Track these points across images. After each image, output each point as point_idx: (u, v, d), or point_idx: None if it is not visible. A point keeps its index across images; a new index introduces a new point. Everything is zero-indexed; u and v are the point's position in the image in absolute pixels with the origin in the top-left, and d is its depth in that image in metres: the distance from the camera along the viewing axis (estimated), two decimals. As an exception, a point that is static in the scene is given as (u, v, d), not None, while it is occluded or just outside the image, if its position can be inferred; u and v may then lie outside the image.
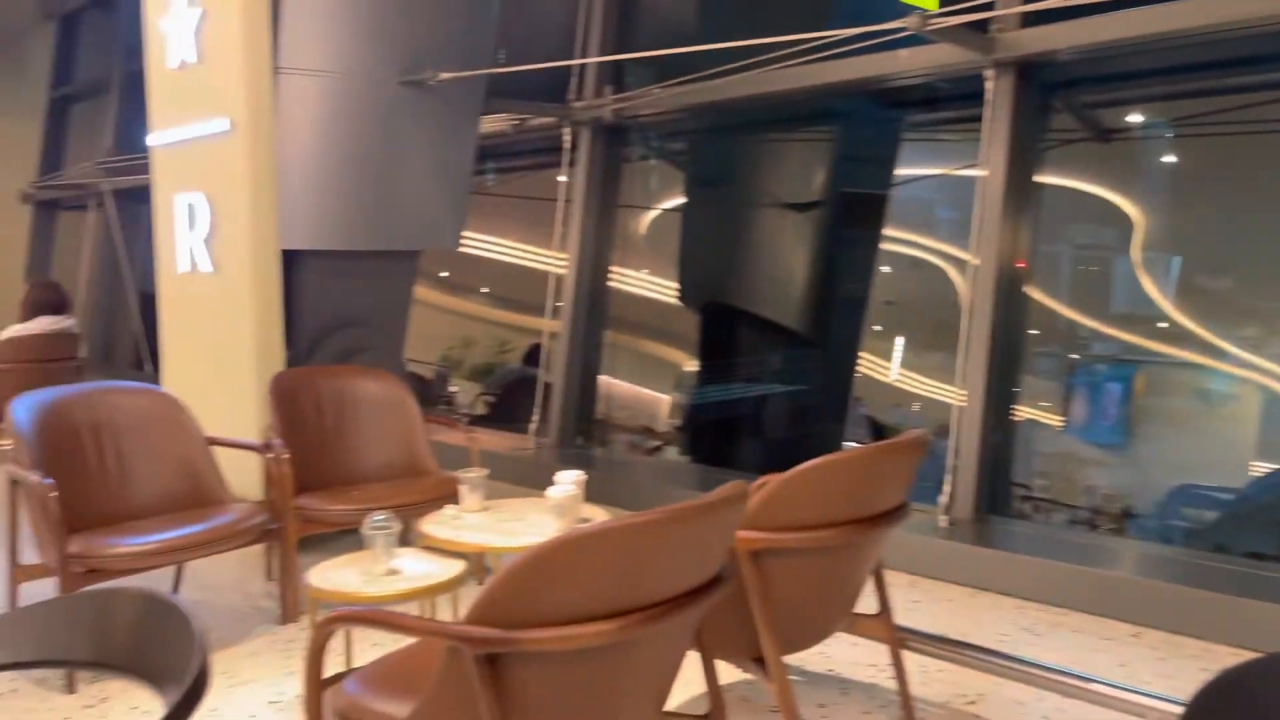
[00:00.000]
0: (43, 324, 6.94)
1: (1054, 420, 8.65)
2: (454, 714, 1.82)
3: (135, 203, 9.59)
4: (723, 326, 7.79)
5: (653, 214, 8.03)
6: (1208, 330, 7.66)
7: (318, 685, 2.02)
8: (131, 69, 9.34)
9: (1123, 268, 8.29)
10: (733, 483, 2.00)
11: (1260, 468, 7.52)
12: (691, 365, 8.81)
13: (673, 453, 8.18)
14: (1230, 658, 3.29)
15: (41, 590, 3.60)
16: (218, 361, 4.78)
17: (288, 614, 3.76)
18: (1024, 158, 4.67)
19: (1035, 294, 7.76)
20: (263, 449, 3.89)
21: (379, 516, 3.01)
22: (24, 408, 3.58)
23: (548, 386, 6.69)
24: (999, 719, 2.88)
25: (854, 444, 9.02)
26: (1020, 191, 4.67)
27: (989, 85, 4.51)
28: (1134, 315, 8.33)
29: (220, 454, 3.95)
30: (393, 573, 2.89)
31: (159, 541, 3.32)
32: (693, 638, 2.13)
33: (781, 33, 4.69)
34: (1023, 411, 7.27)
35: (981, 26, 4.34)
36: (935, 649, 2.90)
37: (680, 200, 8.00)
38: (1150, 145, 7.04)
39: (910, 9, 4.04)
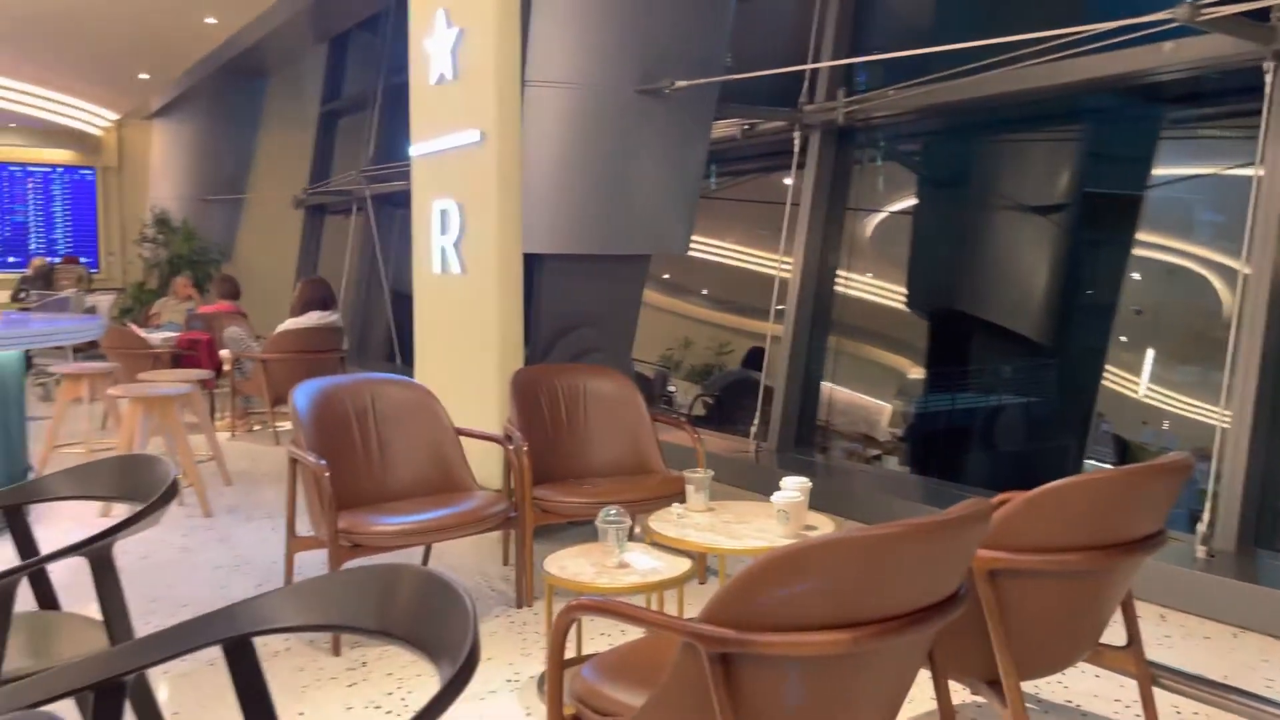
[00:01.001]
0: (312, 318, 7.58)
1: None
2: (686, 709, 1.87)
3: (391, 207, 10.27)
4: (953, 333, 7.52)
5: (880, 217, 7.87)
6: None
7: (559, 669, 2.12)
8: (390, 85, 10.06)
9: None
10: (975, 499, 1.96)
11: None
12: (917, 373, 8.55)
13: (893, 463, 7.98)
14: None
15: (310, 560, 3.99)
16: (464, 357, 5.09)
17: (522, 598, 3.93)
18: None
19: None
20: (504, 441, 4.10)
21: (612, 511, 3.12)
22: (303, 394, 3.93)
23: (768, 390, 6.67)
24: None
25: (1096, 463, 8.52)
26: None
27: (1269, 78, 4.16)
28: None
29: (465, 443, 4.18)
30: (623, 566, 3.00)
31: (414, 523, 3.57)
32: (926, 654, 2.10)
33: (1028, 28, 4.49)
34: None
35: (1262, 15, 4.01)
36: (1192, 689, 2.71)
37: (911, 202, 7.81)
38: None
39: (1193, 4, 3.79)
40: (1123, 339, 8.92)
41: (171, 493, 2.16)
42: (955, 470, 7.50)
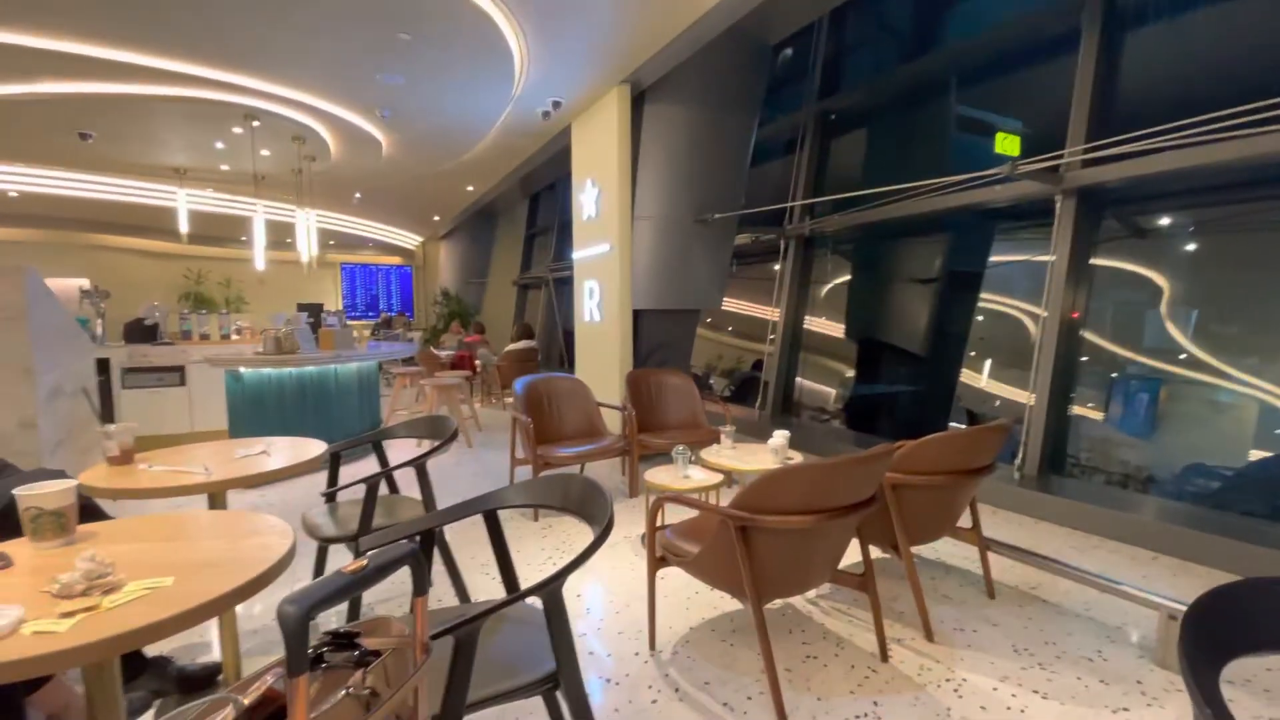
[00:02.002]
0: (521, 344, 7.79)
1: (1096, 415, 7.62)
2: (721, 557, 1.90)
3: (561, 285, 10.47)
4: (872, 351, 7.34)
5: (830, 286, 7.76)
6: (1217, 360, 6.65)
7: (653, 529, 2.17)
8: (561, 220, 10.25)
9: (1153, 318, 7.29)
10: (883, 445, 1.94)
11: (1256, 454, 6.47)
12: (850, 372, 8.36)
13: (837, 423, 7.87)
14: (1224, 578, 2.70)
15: (521, 471, 4.10)
16: (602, 364, 5.18)
17: (633, 492, 4.00)
18: (1081, 249, 4.05)
19: (1089, 335, 6.79)
20: (622, 409, 4.17)
21: (680, 447, 3.15)
22: (519, 385, 4.06)
23: (765, 383, 6.60)
24: (1052, 600, 2.54)
25: (955, 424, 8.27)
26: (1078, 269, 4.05)
27: (1057, 206, 3.97)
28: (1159, 349, 7.34)
29: (602, 411, 4.26)
30: (687, 477, 3.03)
31: (575, 452, 3.65)
32: (855, 530, 2.07)
33: (917, 175, 4.40)
34: (1076, 410, 6.48)
35: (1054, 169, 3.83)
36: (1008, 553, 2.61)
37: (848, 277, 7.65)
38: (1175, 239, 5.98)
39: (1005, 159, 3.65)
40: (972, 353, 8.64)
41: (453, 436, 2.28)
42: (872, 428, 7.30)
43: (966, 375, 8.54)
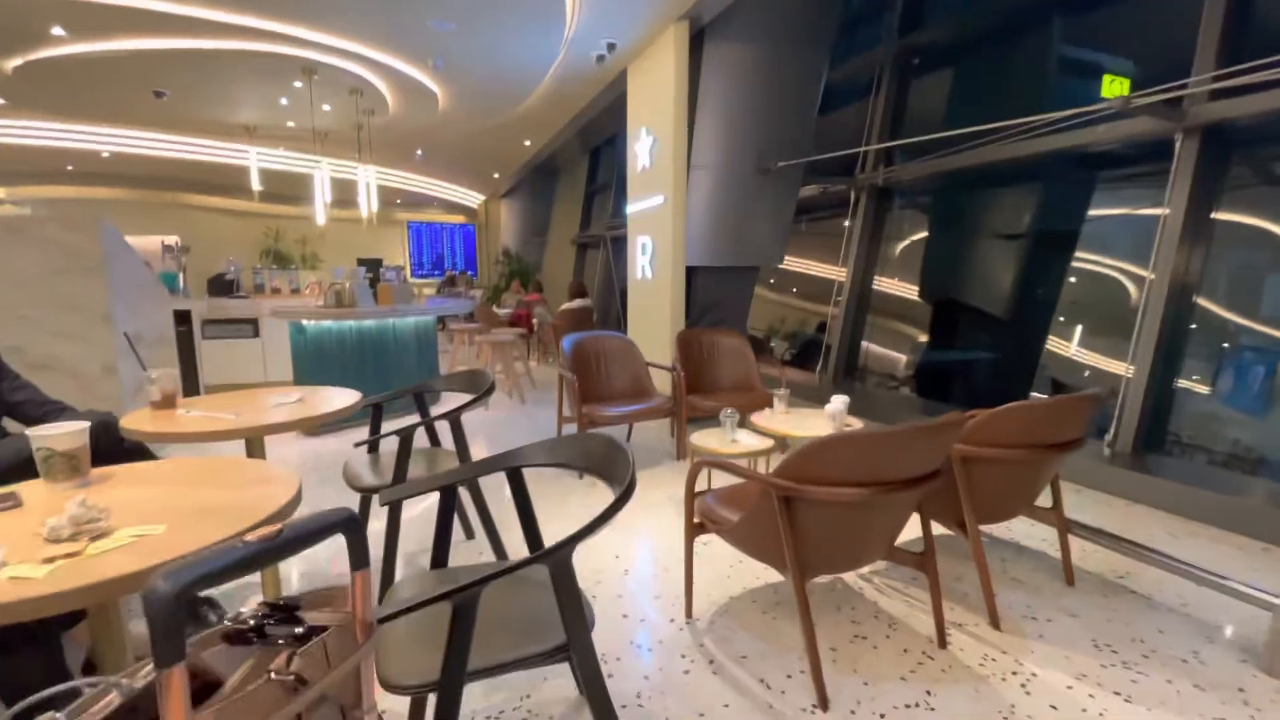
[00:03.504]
0: (576, 303, 7.73)
1: (1203, 388, 7.03)
2: (762, 527, 1.76)
3: (619, 244, 10.30)
4: (949, 314, 6.85)
5: (904, 244, 7.31)
6: None
7: (691, 495, 2.05)
8: (620, 176, 10.01)
9: (1275, 281, 6.59)
10: (952, 413, 1.72)
11: None
12: (922, 338, 7.92)
13: (906, 390, 7.51)
14: None
15: (569, 428, 4.07)
16: (653, 323, 5.04)
17: (680, 454, 3.90)
18: (1202, 201, 3.52)
19: (1201, 300, 6.19)
20: (672, 369, 4.04)
21: (728, 410, 3.00)
22: (567, 342, 4.00)
23: (828, 346, 6.29)
24: (1142, 591, 2.27)
25: (1038, 394, 7.73)
26: (1196, 224, 3.53)
27: (1177, 146, 3.44)
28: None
29: (652, 371, 4.15)
30: (735, 442, 2.89)
31: (622, 412, 3.56)
32: (916, 506, 1.88)
33: (1009, 114, 3.92)
34: (1184, 384, 5.92)
35: (1175, 102, 3.30)
36: (1093, 536, 2.34)
37: (924, 234, 7.13)
38: None
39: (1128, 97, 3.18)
40: (1061, 318, 8.09)
41: (489, 389, 2.21)
42: (945, 396, 6.90)
43: (1054, 343, 7.95)
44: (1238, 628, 2.02)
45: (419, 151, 10.20)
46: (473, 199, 16.12)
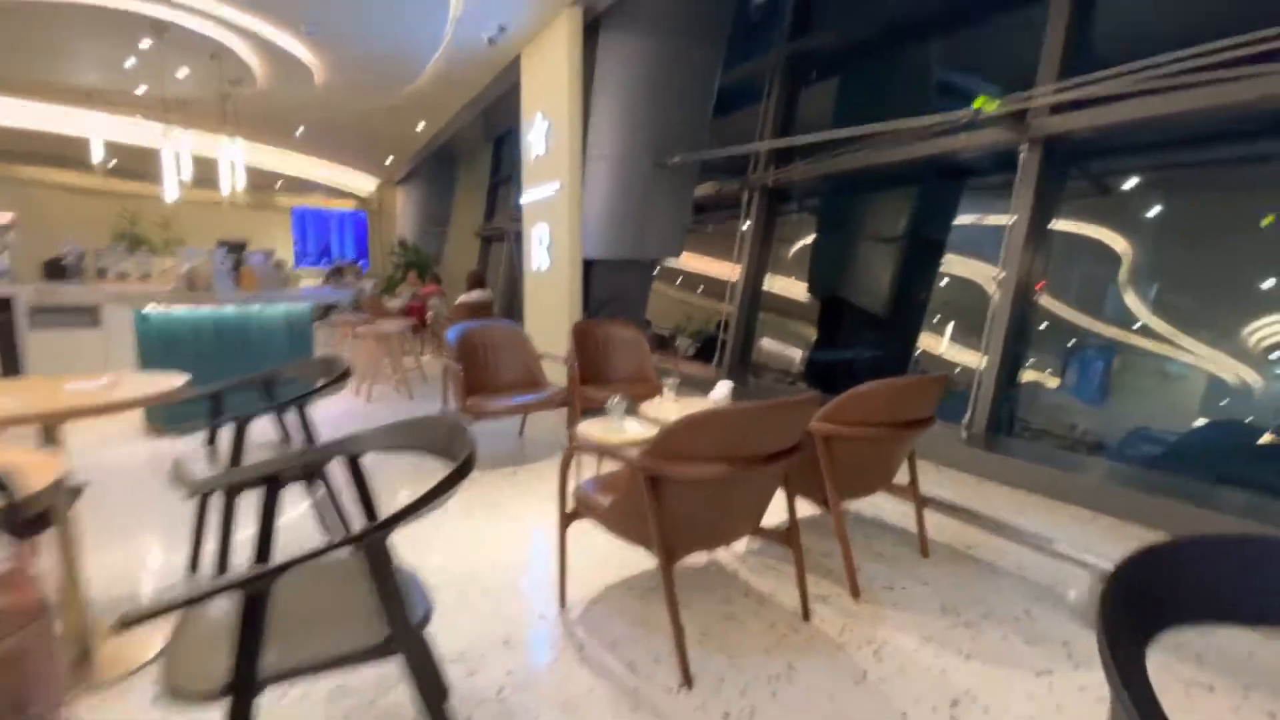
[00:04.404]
0: (474, 295, 7.45)
1: (1052, 382, 7.85)
2: (632, 509, 1.74)
3: (523, 238, 10.09)
4: (834, 311, 7.25)
5: (796, 246, 7.68)
6: (1173, 330, 6.93)
7: (564, 483, 2.00)
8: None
9: (1112, 286, 7.54)
10: (809, 393, 1.77)
11: (1201, 423, 6.80)
12: (813, 334, 8.36)
13: (802, 385, 7.89)
14: (1161, 539, 2.67)
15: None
16: (550, 315, 4.93)
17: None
18: (1043, 207, 3.91)
19: (1050, 302, 6.89)
20: (565, 360, 3.97)
21: (615, 399, 2.97)
22: (452, 332, 3.82)
23: (723, 341, 6.45)
24: (986, 559, 2.48)
25: None
26: (1038, 231, 3.92)
27: (1022, 156, 3.81)
28: (1117, 317, 7.65)
29: (545, 361, 4.05)
30: (621, 430, 2.86)
31: (511, 404, 3.44)
32: (781, 481, 1.93)
33: (895, 115, 4.17)
34: (1033, 376, 6.66)
35: (1021, 115, 3.65)
36: (944, 510, 2.51)
37: (813, 236, 7.51)
38: (1137, 200, 5.93)
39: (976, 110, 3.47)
40: (935, 318, 8.73)
41: (343, 375, 2.04)
42: (834, 390, 7.29)
43: (929, 341, 8.60)
44: (1067, 588, 2.24)
45: (300, 129, 9.45)
46: (365, 183, 15.19)
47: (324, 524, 1.94)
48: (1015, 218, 3.89)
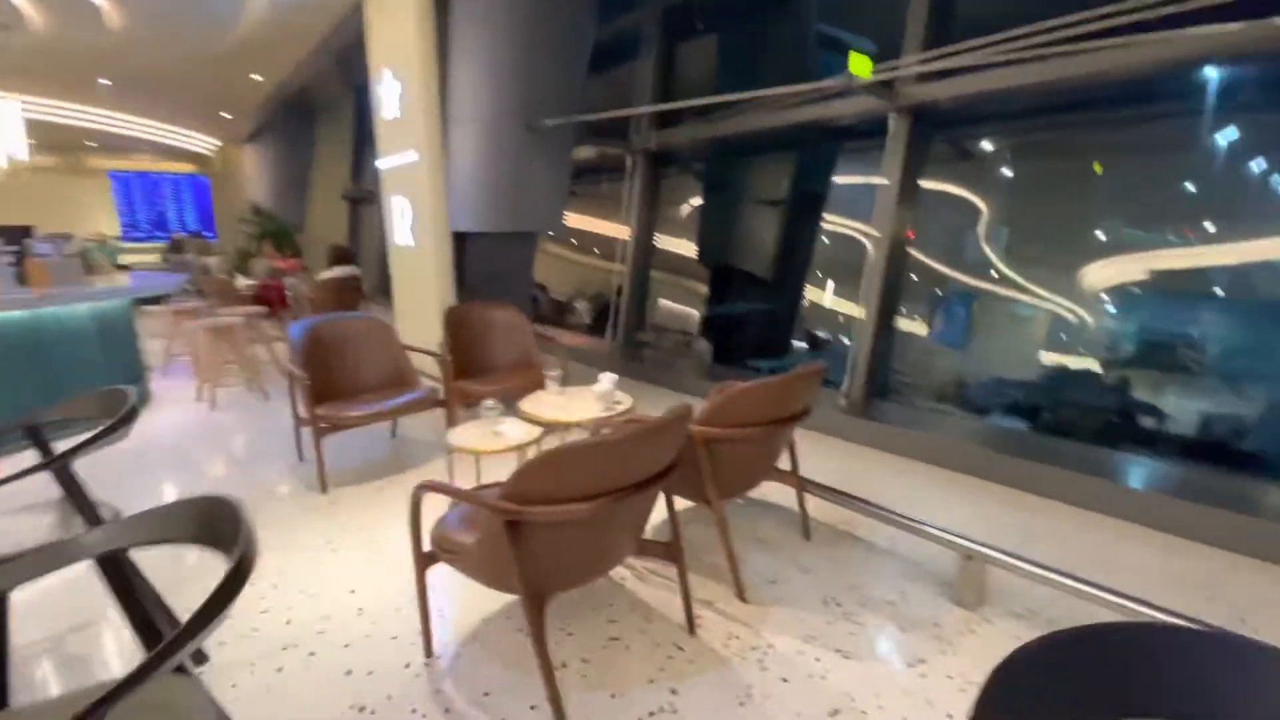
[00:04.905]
0: (337, 271, 6.73)
1: (922, 330, 8.52)
2: (493, 553, 1.56)
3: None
4: (724, 276, 7.31)
5: (690, 207, 7.66)
6: (1021, 277, 7.85)
7: (416, 526, 1.76)
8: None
9: (971, 238, 8.23)
10: (679, 407, 1.64)
11: (1047, 357, 7.69)
12: (708, 291, 8.48)
13: (705, 343, 8.03)
14: (1018, 497, 2.89)
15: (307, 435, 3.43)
16: (421, 299, 4.52)
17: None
18: (912, 170, 3.99)
19: (918, 254, 7.38)
20: (435, 353, 3.63)
21: (488, 402, 2.73)
22: (296, 330, 3.35)
23: (617, 308, 6.28)
24: (863, 536, 2.55)
25: (800, 342, 8.79)
26: (907, 190, 4.01)
27: (892, 124, 3.85)
28: (976, 267, 8.48)
29: (417, 354, 3.69)
30: (498, 434, 2.64)
31: (371, 411, 3.06)
32: (658, 496, 1.80)
33: (771, 83, 4.06)
34: (903, 324, 7.15)
35: (890, 83, 3.66)
36: (825, 494, 2.54)
37: (699, 199, 7.44)
38: (993, 162, 6.40)
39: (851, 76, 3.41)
40: (820, 273, 9.18)
41: (128, 416, 1.66)
42: (730, 344, 7.45)
43: (815, 294, 8.96)
44: (936, 562, 2.32)
45: (104, 81, 7.96)
46: (203, 143, 13.29)
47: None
48: (886, 180, 3.96)
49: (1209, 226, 7.15)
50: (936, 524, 2.20)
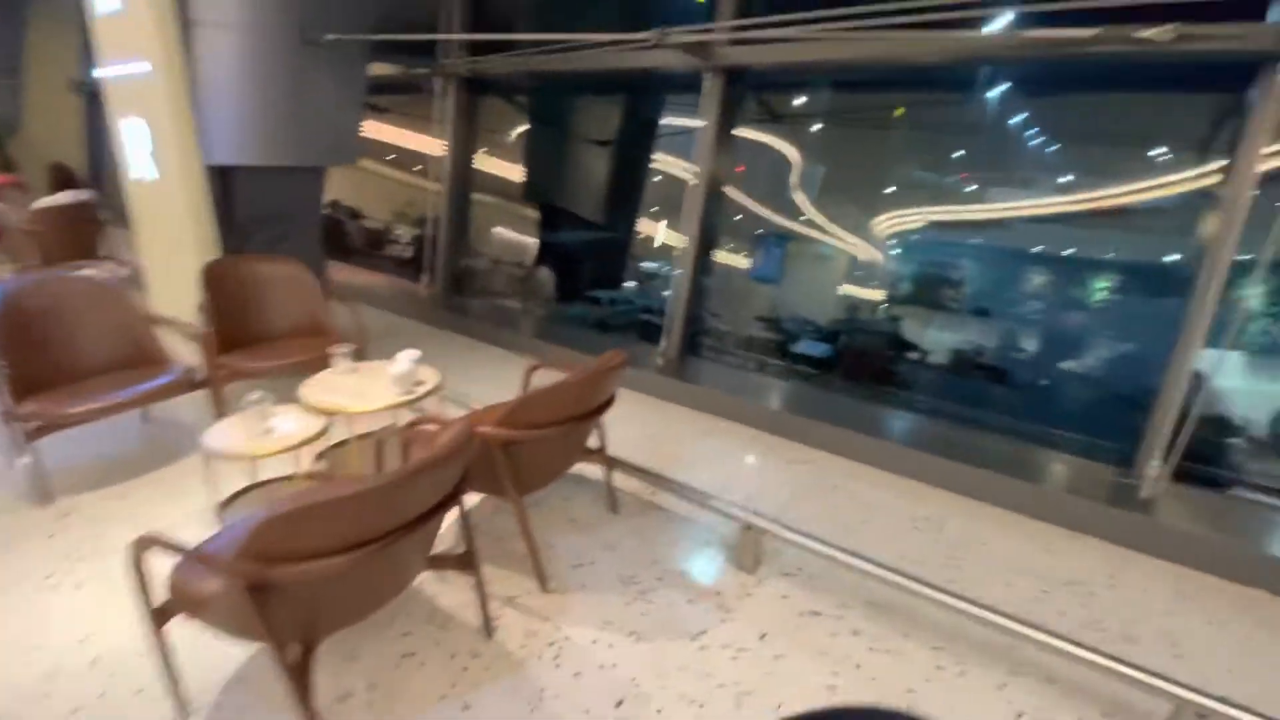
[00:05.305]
0: (63, 198, 5.39)
1: (745, 264, 9.15)
2: (237, 609, 1.37)
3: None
4: (554, 216, 7.08)
5: (516, 132, 7.21)
6: (827, 220, 8.61)
7: (142, 580, 1.49)
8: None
9: (786, 186, 8.87)
10: (457, 433, 1.52)
11: (846, 289, 8.87)
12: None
13: (543, 270, 7.66)
14: (802, 451, 3.23)
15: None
16: (171, 248, 3.72)
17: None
18: (726, 124, 4.03)
19: (743, 198, 7.78)
20: (189, 324, 3.03)
21: (254, 394, 2.35)
22: (-17, 297, 2.61)
23: (434, 241, 5.70)
24: (666, 505, 2.69)
25: (632, 282, 8.95)
26: (723, 140, 4.05)
27: (707, 82, 3.82)
28: (791, 211, 9.21)
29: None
30: (268, 432, 2.32)
31: (95, 406, 2.49)
32: (443, 515, 1.70)
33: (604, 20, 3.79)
34: (730, 259, 7.61)
35: (704, 45, 3.59)
36: (631, 471, 2.63)
37: (525, 128, 6.99)
38: (804, 120, 6.90)
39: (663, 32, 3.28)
40: (655, 209, 9.36)
41: None
42: (568, 271, 7.41)
43: (649, 228, 9.10)
44: (725, 526, 2.52)
45: None
46: None
47: None
48: (703, 133, 3.98)
49: (972, 188, 8.43)
50: (727, 494, 2.39)
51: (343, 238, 9.08)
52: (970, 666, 1.93)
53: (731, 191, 4.33)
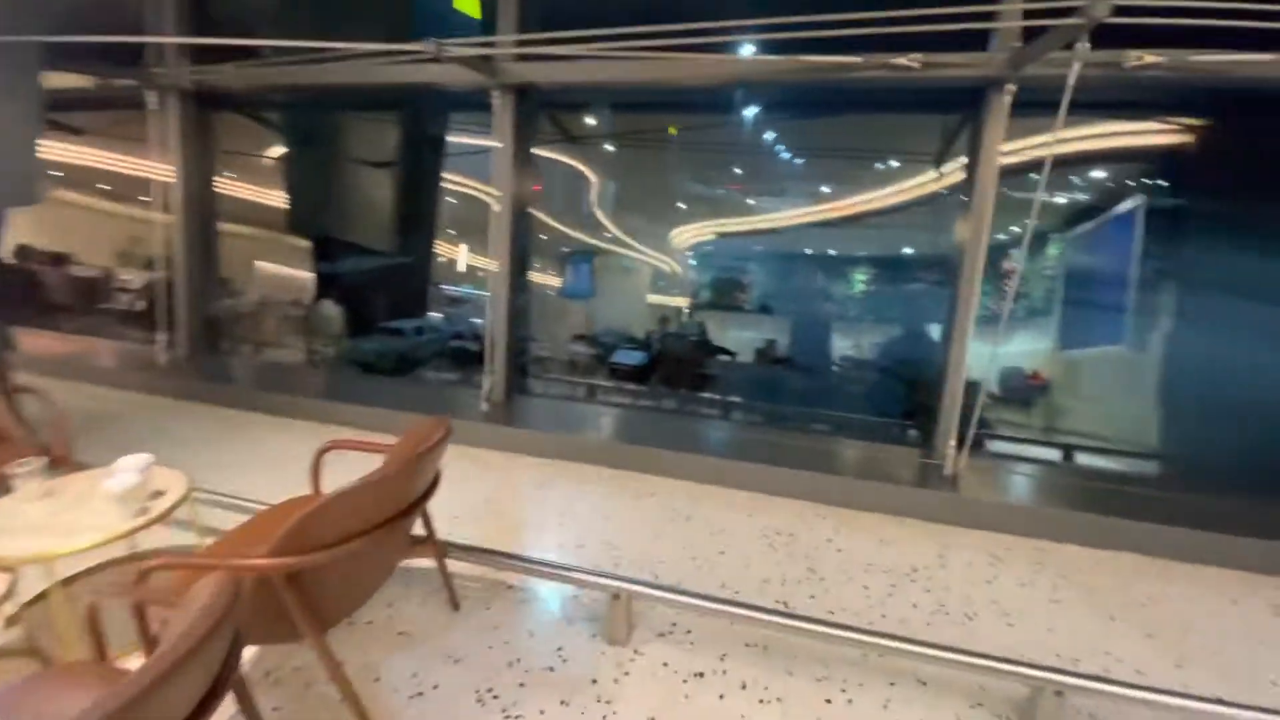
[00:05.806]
0: None
1: (554, 283, 9.09)
2: None
3: None
4: (328, 249, 6.20)
5: (273, 156, 6.22)
6: (628, 235, 9.02)
7: None
8: None
9: (586, 204, 9.02)
10: (223, 597, 1.05)
11: (655, 299, 9.33)
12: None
13: (326, 304, 6.89)
14: (645, 481, 3.04)
15: None
16: None
17: None
18: (523, 139, 3.78)
19: (545, 218, 7.67)
20: None
21: None
22: None
23: (170, 288, 4.58)
24: (516, 583, 2.34)
25: (436, 315, 8.31)
26: (522, 160, 3.80)
27: (495, 102, 3.52)
28: (594, 228, 9.62)
29: None
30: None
31: None
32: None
33: (358, 26, 3.25)
34: (539, 279, 7.55)
35: (489, 59, 3.30)
36: (469, 556, 2.24)
37: (282, 151, 6.01)
38: (592, 143, 7.13)
39: (466, 19, 2.92)
40: (453, 232, 8.91)
41: None
42: (359, 303, 6.82)
43: (445, 256, 8.61)
44: (588, 595, 2.25)
45: None
46: None
47: None
48: (500, 153, 3.68)
49: (750, 201, 9.26)
50: (584, 553, 2.13)
51: (39, 294, 7.11)
52: (854, 692, 1.90)
53: (533, 210, 4.09)
